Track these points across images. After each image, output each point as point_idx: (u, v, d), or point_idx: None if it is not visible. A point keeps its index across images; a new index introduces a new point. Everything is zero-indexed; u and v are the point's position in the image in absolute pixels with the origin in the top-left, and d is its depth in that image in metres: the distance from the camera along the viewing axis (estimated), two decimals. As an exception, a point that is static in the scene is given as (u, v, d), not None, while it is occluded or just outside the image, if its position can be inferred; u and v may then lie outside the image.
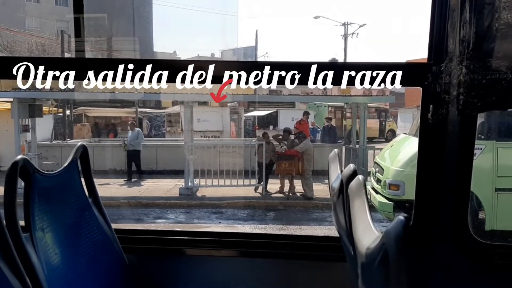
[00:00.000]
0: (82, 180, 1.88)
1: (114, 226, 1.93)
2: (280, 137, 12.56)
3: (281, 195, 12.15)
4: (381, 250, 1.00)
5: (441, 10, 1.83)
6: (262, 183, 12.31)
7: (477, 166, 7.40)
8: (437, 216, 1.94)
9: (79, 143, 1.87)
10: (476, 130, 1.95)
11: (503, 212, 7.33)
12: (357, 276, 1.21)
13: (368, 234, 1.12)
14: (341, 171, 1.49)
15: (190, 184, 12.59)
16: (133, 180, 13.99)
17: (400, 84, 2.03)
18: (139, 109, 22.18)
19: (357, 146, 13.11)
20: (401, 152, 8.44)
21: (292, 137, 12.61)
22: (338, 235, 1.57)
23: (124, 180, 13.87)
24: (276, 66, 1.98)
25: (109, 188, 12.75)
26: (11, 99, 13.14)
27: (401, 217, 0.99)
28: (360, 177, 1.30)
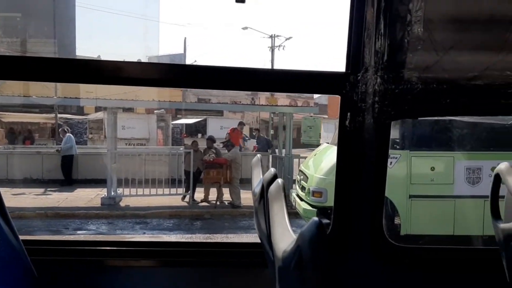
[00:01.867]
0: None
1: (22, 237, 1.79)
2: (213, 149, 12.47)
3: (208, 204, 12.06)
4: (296, 252, 1.00)
5: (358, 22, 1.91)
6: (189, 192, 12.14)
7: (393, 174, 7.86)
8: (354, 222, 2.01)
9: None
10: (390, 138, 2.05)
11: (416, 217, 7.82)
12: (276, 281, 1.20)
13: (285, 238, 1.11)
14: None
15: (113, 193, 12.11)
16: (51, 189, 13.23)
17: (320, 92, 2.10)
18: (59, 115, 21.05)
19: (283, 154, 13.38)
20: (323, 160, 8.72)
21: (220, 145, 12.60)
22: (257, 241, 1.57)
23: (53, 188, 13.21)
24: (203, 70, 1.96)
25: (25, 198, 11.92)
26: None
27: (315, 218, 0.99)
28: (279, 180, 1.31)
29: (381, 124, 1.94)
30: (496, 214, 1.72)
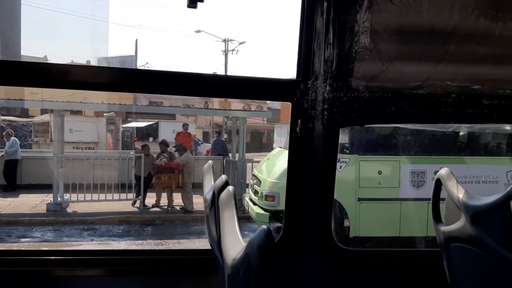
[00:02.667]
0: None
1: None
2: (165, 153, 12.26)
3: (160, 209, 11.86)
4: (245, 260, 1.00)
5: (308, 32, 1.96)
6: (140, 197, 11.89)
7: (343, 178, 8.07)
8: (304, 227, 2.04)
9: None
10: (338, 144, 2.11)
11: (365, 220, 8.05)
12: None
13: (235, 245, 1.12)
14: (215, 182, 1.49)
15: (59, 199, 11.65)
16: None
17: (272, 99, 2.14)
18: (2, 117, 20.01)
19: (236, 159, 13.39)
20: (276, 164, 8.82)
21: (173, 149, 12.42)
22: (208, 248, 1.57)
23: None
24: (155, 75, 1.94)
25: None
26: None
27: (264, 226, 1.01)
28: (230, 188, 1.31)
29: (330, 130, 1.99)
30: (437, 217, 1.81)
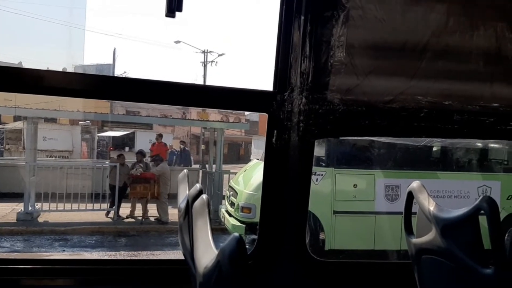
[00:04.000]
0: None
1: None
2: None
3: (134, 220, 11.67)
4: (216, 268, 1.01)
5: (285, 44, 1.99)
6: (114, 207, 11.68)
7: (319, 190, 8.11)
8: (278, 238, 2.05)
9: None
10: (313, 156, 2.13)
11: (340, 233, 8.09)
12: None
13: (207, 254, 1.12)
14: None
15: (30, 208, 11.35)
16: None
17: (249, 109, 2.15)
18: (-28, 124, 19.49)
19: (213, 170, 13.33)
20: (253, 176, 8.81)
21: (149, 159, 12.28)
22: (181, 258, 1.56)
23: None
24: (132, 83, 1.93)
25: None
26: None
27: (236, 234, 1.02)
28: (204, 196, 1.31)
29: (305, 142, 2.01)
30: (409, 230, 1.84)
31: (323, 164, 8.06)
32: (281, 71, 2.00)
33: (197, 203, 1.32)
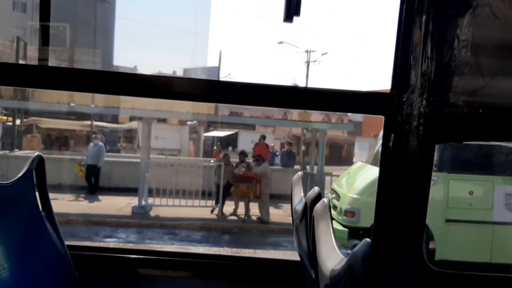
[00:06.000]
0: (37, 192, 1.79)
1: (67, 242, 1.85)
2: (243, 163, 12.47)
3: (237, 218, 12.03)
4: (347, 271, 1.01)
5: (405, 45, 1.90)
6: (218, 204, 12.16)
7: (429, 197, 7.61)
8: (394, 245, 1.96)
9: (36, 153, 1.79)
10: (433, 161, 1.99)
11: (453, 243, 7.55)
12: None
13: (332, 257, 1.13)
14: (305, 194, 1.50)
15: (144, 203, 12.26)
16: (83, 196, 13.47)
17: (364, 112, 2.05)
18: (95, 123, 21.61)
19: (314, 171, 13.26)
20: (357, 179, 8.58)
21: (251, 159, 12.60)
22: (293, 259, 1.61)
23: (84, 194, 13.41)
24: (238, 86, 1.97)
25: (58, 203, 12.21)
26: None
27: (367, 239, 1.01)
28: (325, 199, 1.31)
29: (425, 147, 1.91)
30: None
31: (435, 169, 7.57)
32: (400, 71, 1.91)
33: (318, 206, 1.32)
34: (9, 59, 17.66)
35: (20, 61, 14.50)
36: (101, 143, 14.48)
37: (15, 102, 16.42)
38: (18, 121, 18.88)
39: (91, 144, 14.44)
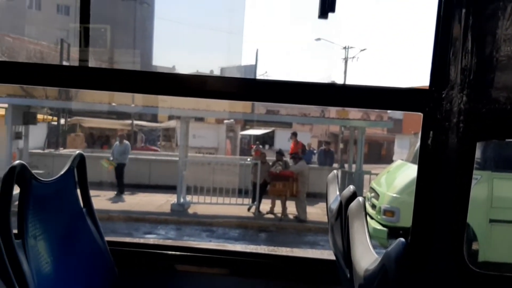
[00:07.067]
0: (78, 189, 1.86)
1: (107, 238, 1.91)
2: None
3: (274, 216, 12.03)
4: (380, 271, 1.01)
5: (444, 40, 1.84)
6: (255, 203, 12.19)
7: (472, 196, 7.34)
8: (433, 245, 1.91)
9: (77, 152, 1.85)
10: (474, 159, 1.92)
11: (497, 244, 7.26)
12: None
13: (367, 256, 1.13)
14: (340, 192, 1.49)
15: (182, 200, 12.45)
16: (117, 194, 13.71)
17: (402, 109, 2.00)
18: (135, 122, 22.14)
19: (352, 170, 13.08)
20: (397, 178, 8.40)
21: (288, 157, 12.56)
22: (329, 258, 1.61)
23: (115, 194, 13.65)
24: (274, 84, 1.96)
25: (99, 200, 12.59)
26: (6, 105, 13.07)
27: (401, 239, 1.01)
28: (360, 198, 1.31)
29: (465, 144, 1.84)
30: None
31: (478, 167, 7.29)
32: (439, 67, 1.84)
33: (352, 205, 1.31)
34: (54, 61, 18.35)
35: (64, 62, 15.01)
36: (126, 142, 14.61)
37: (59, 102, 17.04)
38: (62, 121, 19.63)
39: (117, 143, 14.62)
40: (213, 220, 11.40)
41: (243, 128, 24.33)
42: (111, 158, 14.12)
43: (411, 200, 1.93)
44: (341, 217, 1.40)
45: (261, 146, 20.75)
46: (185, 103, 13.55)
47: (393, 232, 7.67)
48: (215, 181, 12.44)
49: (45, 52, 21.10)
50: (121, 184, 13.91)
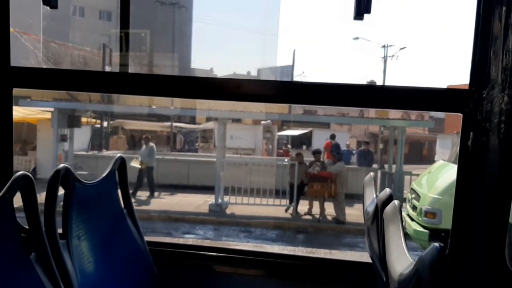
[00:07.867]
0: (119, 191, 1.92)
1: (146, 238, 1.96)
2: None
3: (312, 217, 11.95)
4: (414, 276, 1.00)
5: (484, 38, 1.79)
6: (293, 203, 12.15)
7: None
8: (473, 248, 1.87)
9: (118, 155, 1.92)
10: None
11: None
12: None
13: (401, 260, 1.11)
14: (377, 195, 1.48)
15: (220, 200, 12.58)
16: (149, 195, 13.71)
17: (440, 110, 1.96)
18: (174, 124, 22.54)
19: (392, 170, 12.82)
20: (439, 179, 8.19)
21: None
22: (368, 261, 1.58)
23: (147, 197, 13.58)
24: (312, 86, 1.96)
25: (140, 200, 12.89)
26: (52, 109, 13.62)
27: (436, 244, 0.99)
28: (395, 202, 1.29)
29: (507, 145, 1.78)
30: None
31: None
32: (479, 67, 1.80)
33: (388, 208, 1.30)
34: (96, 65, 18.97)
35: (106, 67, 15.47)
36: (151, 144, 14.41)
37: (102, 106, 17.60)
38: (105, 124, 20.25)
39: (144, 146, 14.38)
40: (250, 220, 11.44)
41: (280, 129, 24.30)
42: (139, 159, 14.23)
43: (453, 202, 1.88)
44: (377, 220, 1.39)
45: (289, 146, 20.67)
46: (223, 105, 13.68)
47: (435, 234, 7.47)
48: (252, 181, 12.49)
49: (88, 57, 21.85)
50: (151, 186, 13.90)
